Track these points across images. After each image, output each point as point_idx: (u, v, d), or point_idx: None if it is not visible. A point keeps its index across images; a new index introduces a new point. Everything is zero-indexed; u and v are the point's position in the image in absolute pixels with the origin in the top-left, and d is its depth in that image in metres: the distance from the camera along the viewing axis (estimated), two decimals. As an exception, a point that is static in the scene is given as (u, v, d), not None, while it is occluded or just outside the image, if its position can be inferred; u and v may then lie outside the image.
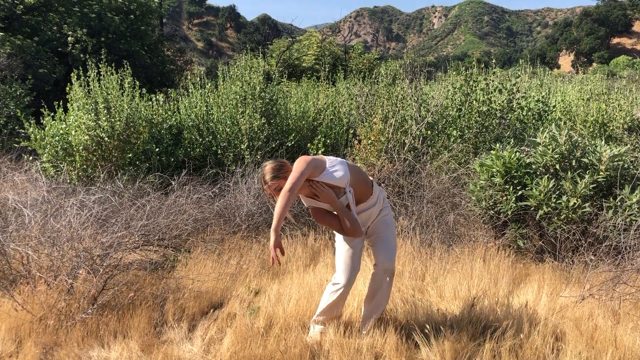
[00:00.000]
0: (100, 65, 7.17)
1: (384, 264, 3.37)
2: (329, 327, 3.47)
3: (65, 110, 7.25)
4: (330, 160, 3.28)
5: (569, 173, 4.84)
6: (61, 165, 6.96)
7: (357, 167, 3.49)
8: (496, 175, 5.14)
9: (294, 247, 5.23)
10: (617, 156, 4.90)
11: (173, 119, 7.81)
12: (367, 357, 3.27)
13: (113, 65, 7.40)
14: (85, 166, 6.91)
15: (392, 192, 6.13)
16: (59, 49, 14.09)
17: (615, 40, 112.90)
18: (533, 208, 4.96)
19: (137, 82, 7.42)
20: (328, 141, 7.61)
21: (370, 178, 3.52)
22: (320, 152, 7.05)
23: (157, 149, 7.29)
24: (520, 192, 5.03)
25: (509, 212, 5.02)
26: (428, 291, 4.36)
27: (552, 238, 4.89)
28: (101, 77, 7.13)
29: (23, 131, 8.20)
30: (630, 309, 3.89)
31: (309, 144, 7.27)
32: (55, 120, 7.15)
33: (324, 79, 9.52)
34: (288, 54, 20.32)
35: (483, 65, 8.03)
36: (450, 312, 3.89)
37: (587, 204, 4.75)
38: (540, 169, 5.14)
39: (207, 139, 7.53)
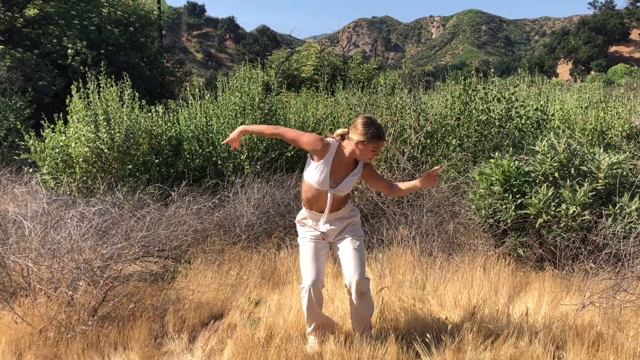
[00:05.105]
0: (99, 77, 7.20)
1: (351, 286, 3.38)
2: (328, 337, 3.47)
3: (65, 122, 7.27)
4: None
5: (568, 181, 4.85)
6: (61, 177, 6.97)
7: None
8: (495, 183, 5.15)
9: (294, 257, 5.23)
10: (616, 164, 4.92)
11: (173, 130, 7.83)
12: (368, 367, 3.27)
13: (113, 77, 7.43)
14: (85, 178, 6.92)
15: (391, 201, 6.14)
16: (59, 62, 14.14)
17: (612, 49, 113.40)
18: (532, 216, 4.96)
19: (137, 94, 7.44)
20: (327, 151, 7.61)
21: None
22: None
23: (157, 160, 7.30)
24: (519, 201, 5.04)
25: (509, 221, 5.02)
26: (429, 300, 4.35)
27: (552, 246, 4.89)
28: (101, 89, 7.16)
29: (23, 143, 8.21)
30: (631, 316, 3.88)
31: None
32: (55, 132, 7.17)
33: (322, 89, 9.55)
34: (287, 64, 20.41)
35: (482, 74, 8.07)
36: (451, 321, 3.89)
37: (586, 212, 4.76)
38: (539, 177, 5.15)
39: (206, 150, 7.55)
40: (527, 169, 5.21)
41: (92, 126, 6.87)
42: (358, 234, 3.54)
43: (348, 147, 3.38)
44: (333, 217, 3.48)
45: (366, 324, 3.50)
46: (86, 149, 6.81)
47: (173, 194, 6.25)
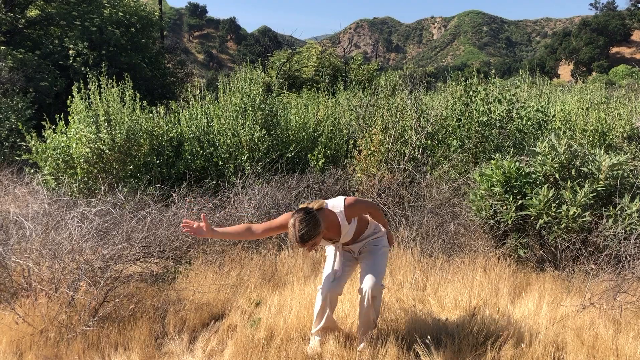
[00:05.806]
0: (101, 78, 7.21)
1: (364, 288, 3.40)
2: (329, 338, 3.47)
3: (67, 123, 7.29)
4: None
5: (569, 182, 4.85)
6: (62, 178, 6.97)
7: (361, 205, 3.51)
8: (496, 184, 5.15)
9: (295, 257, 5.23)
10: (617, 165, 4.91)
11: (174, 131, 7.84)
12: (368, 368, 3.27)
13: (114, 78, 7.44)
14: (86, 178, 6.93)
15: (392, 202, 6.14)
16: (61, 62, 14.16)
17: (614, 50, 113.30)
18: (533, 217, 4.96)
19: (138, 95, 7.45)
20: (328, 152, 7.64)
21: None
22: (320, 162, 7.07)
23: (158, 161, 7.31)
24: (520, 202, 5.04)
25: (509, 222, 5.02)
26: (429, 301, 4.35)
27: (553, 247, 4.89)
28: (102, 89, 7.17)
29: (24, 144, 8.23)
30: (631, 317, 3.88)
31: (309, 155, 7.29)
32: (56, 133, 7.18)
33: (324, 90, 9.55)
34: (288, 65, 20.42)
35: (483, 75, 8.07)
36: (452, 322, 3.89)
37: (587, 213, 4.76)
38: (540, 178, 5.15)
39: (207, 151, 7.56)
40: (527, 170, 5.21)
41: (93, 127, 6.88)
42: (381, 244, 3.60)
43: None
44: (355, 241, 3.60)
45: (371, 326, 3.52)
46: (87, 149, 6.82)
47: (174, 194, 6.25)
